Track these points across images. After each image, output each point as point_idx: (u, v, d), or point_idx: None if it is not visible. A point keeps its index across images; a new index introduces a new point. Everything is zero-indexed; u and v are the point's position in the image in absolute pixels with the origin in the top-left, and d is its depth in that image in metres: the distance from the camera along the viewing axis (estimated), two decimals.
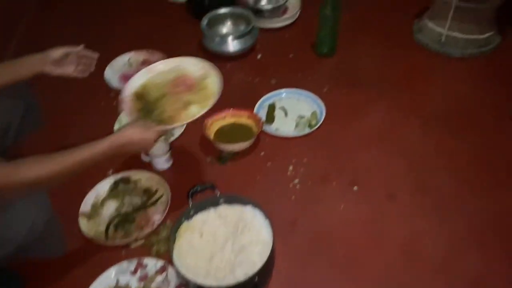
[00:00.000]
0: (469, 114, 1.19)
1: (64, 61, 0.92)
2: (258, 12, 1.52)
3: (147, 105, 0.86)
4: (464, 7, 1.26)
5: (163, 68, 0.94)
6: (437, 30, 1.36)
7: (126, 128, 0.80)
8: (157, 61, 1.35)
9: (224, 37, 1.38)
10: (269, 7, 1.57)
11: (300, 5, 1.59)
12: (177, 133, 1.15)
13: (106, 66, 1.36)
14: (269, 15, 1.53)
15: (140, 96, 0.89)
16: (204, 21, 1.40)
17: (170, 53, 1.39)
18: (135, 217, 0.94)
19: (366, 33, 1.49)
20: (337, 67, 1.38)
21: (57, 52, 0.90)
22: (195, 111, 0.84)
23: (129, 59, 1.40)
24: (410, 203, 0.98)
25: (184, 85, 0.90)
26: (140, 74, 0.93)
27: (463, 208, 0.95)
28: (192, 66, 0.94)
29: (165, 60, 0.97)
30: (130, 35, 1.56)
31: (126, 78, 1.33)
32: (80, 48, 0.94)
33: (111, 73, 1.35)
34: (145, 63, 1.40)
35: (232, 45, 1.38)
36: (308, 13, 1.55)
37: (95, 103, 1.29)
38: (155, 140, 0.83)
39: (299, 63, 1.39)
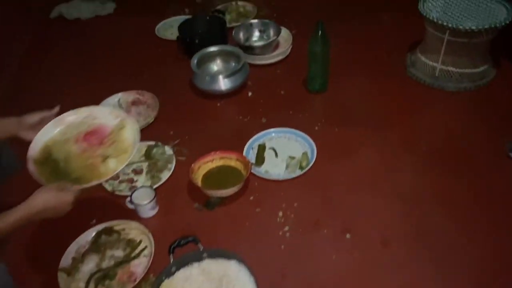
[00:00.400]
0: (465, 151, 1.15)
1: (40, 126, 0.88)
2: (250, 49, 1.51)
3: (59, 165, 0.81)
4: (456, 41, 1.23)
5: (74, 120, 0.89)
6: (430, 64, 1.34)
7: (40, 194, 0.75)
8: (146, 101, 1.39)
9: (214, 76, 1.37)
10: (260, 43, 1.56)
11: (291, 40, 1.58)
12: (164, 177, 1.12)
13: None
14: (260, 52, 1.52)
15: (49, 155, 0.83)
16: (194, 60, 1.39)
17: (160, 93, 1.40)
18: (117, 272, 0.90)
19: (359, 67, 1.47)
20: (328, 103, 1.35)
21: (33, 118, 0.87)
22: (113, 166, 0.80)
23: (119, 100, 1.39)
24: (405, 251, 0.93)
25: (98, 138, 0.85)
26: (48, 127, 0.87)
27: (461, 258, 0.90)
28: (106, 115, 0.89)
29: (77, 110, 0.91)
30: (120, 74, 1.55)
31: None
32: (55, 110, 0.91)
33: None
34: (135, 103, 1.38)
35: (223, 84, 1.36)
36: (300, 47, 1.54)
37: None
38: (73, 202, 0.77)
39: (290, 100, 1.37)
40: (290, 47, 1.56)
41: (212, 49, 1.45)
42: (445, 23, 1.20)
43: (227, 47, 1.46)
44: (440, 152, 1.15)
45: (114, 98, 1.39)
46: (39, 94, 1.49)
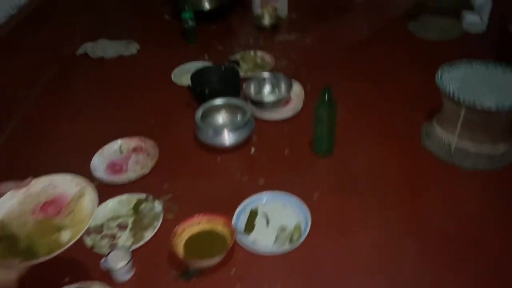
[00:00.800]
0: (475, 240, 1.03)
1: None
2: (259, 104, 1.48)
3: (13, 239, 0.77)
4: (473, 118, 1.15)
5: (34, 189, 0.86)
6: (446, 138, 1.25)
7: None
8: (147, 150, 1.37)
9: (217, 130, 1.34)
10: (270, 99, 1.53)
11: (304, 96, 1.54)
12: (148, 236, 1.07)
13: (95, 153, 1.34)
14: (270, 107, 1.49)
15: (2, 229, 0.79)
16: (199, 112, 1.37)
17: (162, 141, 1.39)
18: None
19: (370, 131, 1.40)
20: (333, 169, 1.28)
21: (7, 187, 0.85)
22: (66, 238, 0.76)
23: (120, 146, 1.38)
24: None
25: (56, 208, 0.82)
26: (5, 199, 0.83)
27: None
28: (67, 183, 0.86)
29: (36, 179, 0.87)
30: (129, 117, 1.55)
31: (113, 167, 1.30)
32: (28, 182, 0.87)
33: (99, 161, 1.32)
34: (136, 150, 1.37)
35: (226, 138, 1.33)
36: (313, 105, 1.48)
37: None
38: (18, 280, 0.72)
39: (293, 161, 1.31)
40: (302, 104, 1.52)
41: (218, 101, 1.43)
42: (461, 99, 1.12)
43: (234, 100, 1.43)
44: (447, 237, 1.04)
45: (116, 144, 1.38)
46: (47, 132, 1.51)
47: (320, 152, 1.30)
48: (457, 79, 1.23)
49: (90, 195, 0.83)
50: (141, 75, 1.83)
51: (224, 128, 1.34)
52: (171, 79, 1.75)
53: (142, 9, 2.52)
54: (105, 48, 1.97)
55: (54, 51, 1.94)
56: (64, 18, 2.11)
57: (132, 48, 2.00)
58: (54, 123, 1.56)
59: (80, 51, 2.00)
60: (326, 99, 1.18)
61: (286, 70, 1.77)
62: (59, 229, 0.78)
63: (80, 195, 0.83)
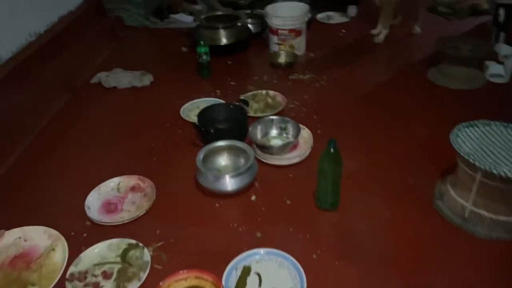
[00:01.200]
0: None
1: None
2: (265, 148, 1.43)
3: None
4: (489, 184, 1.06)
5: (5, 242, 0.84)
6: (460, 202, 1.16)
7: None
8: (145, 189, 1.33)
9: (219, 175, 1.29)
10: (276, 142, 1.48)
11: (312, 143, 1.48)
12: None
13: (92, 189, 1.31)
14: (276, 151, 1.44)
15: None
16: (200, 155, 1.32)
17: (161, 182, 1.35)
18: None
19: (378, 187, 1.32)
20: (335, 227, 1.20)
21: None
22: None
23: (118, 184, 1.34)
24: None
25: (25, 261, 0.77)
26: None
27: None
28: (40, 235, 0.83)
29: (8, 231, 0.84)
30: (133, 153, 1.53)
31: (108, 206, 1.26)
32: (1, 234, 0.85)
33: (95, 199, 1.28)
34: (134, 189, 1.33)
35: (227, 184, 1.27)
36: (320, 152, 1.43)
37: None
38: None
39: (294, 214, 1.24)
40: (309, 150, 1.46)
41: (221, 143, 1.38)
42: (477, 163, 1.04)
43: (237, 143, 1.38)
44: None
45: (115, 181, 1.35)
46: (48, 165, 1.50)
47: (323, 207, 1.23)
48: (474, 140, 1.15)
49: (61, 249, 0.79)
50: (151, 108, 1.82)
51: (225, 174, 1.28)
52: (179, 114, 1.72)
53: (161, 40, 2.56)
54: (119, 78, 1.98)
55: (67, 79, 1.96)
56: (82, 47, 2.14)
57: (146, 80, 2.00)
58: (57, 155, 1.54)
59: (94, 80, 2.01)
60: (331, 152, 1.12)
61: (297, 112, 1.73)
62: (26, 284, 0.73)
63: (51, 249, 0.79)
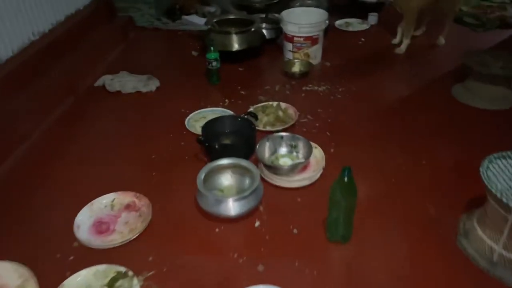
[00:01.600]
0: None
1: None
2: (272, 168, 1.32)
3: None
4: None
5: None
6: (488, 243, 1.03)
7: None
8: (140, 208, 1.23)
9: (220, 199, 1.18)
10: (287, 162, 1.37)
11: (324, 164, 1.36)
12: None
13: (85, 205, 1.21)
14: (284, 172, 1.32)
15: None
16: (201, 176, 1.22)
17: (159, 201, 1.25)
18: None
19: (395, 219, 1.20)
20: (346, 264, 1.08)
21: None
22: None
23: (113, 200, 1.25)
24: None
25: None
26: None
27: None
28: (9, 273, 0.79)
29: None
30: (131, 167, 1.43)
31: (100, 225, 1.17)
32: None
33: (86, 216, 1.18)
34: (129, 207, 1.23)
35: (229, 209, 1.17)
36: (332, 174, 1.32)
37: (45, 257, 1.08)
38: None
39: (301, 245, 1.13)
40: (321, 172, 1.34)
41: (225, 162, 1.28)
42: (510, 203, 0.91)
43: (242, 162, 1.27)
44: None
45: (109, 197, 1.25)
46: (42, 174, 1.41)
47: (333, 239, 1.12)
48: (507, 174, 1.02)
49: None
50: (155, 116, 1.72)
51: (228, 197, 1.18)
52: (184, 124, 1.62)
53: (171, 42, 2.47)
54: (124, 82, 1.89)
55: (71, 82, 1.87)
56: (89, 47, 2.06)
57: (152, 85, 1.90)
58: (52, 165, 1.44)
59: (98, 82, 1.92)
60: (345, 181, 1.00)
61: (309, 127, 1.61)
62: None
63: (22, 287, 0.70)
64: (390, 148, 1.49)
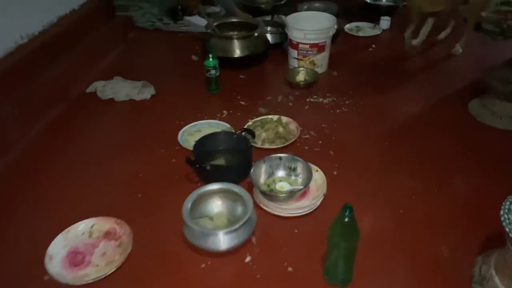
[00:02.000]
0: None
1: None
2: (267, 195, 1.20)
3: None
4: None
5: None
6: None
7: None
8: (120, 237, 1.12)
9: (207, 232, 1.07)
10: (284, 187, 1.25)
11: (325, 189, 1.24)
12: None
13: (60, 231, 1.11)
14: (280, 199, 1.20)
15: None
16: (187, 204, 1.10)
17: (141, 228, 1.14)
18: None
19: (402, 260, 1.07)
20: None
21: None
22: None
23: (92, 226, 1.14)
24: None
25: None
26: None
27: None
28: None
29: None
30: (113, 185, 1.32)
31: (75, 256, 1.07)
32: None
33: (60, 245, 1.08)
34: (108, 235, 1.13)
35: (217, 242, 1.06)
36: (334, 201, 1.20)
37: None
38: None
39: (297, 284, 1.01)
40: (322, 198, 1.22)
41: (214, 187, 1.16)
42: None
43: (234, 188, 1.16)
44: None
45: (88, 223, 1.15)
46: (20, 193, 1.31)
47: (331, 282, 1.00)
48: None
49: None
50: (146, 128, 1.61)
51: (215, 231, 1.06)
52: (177, 138, 1.51)
53: (171, 45, 2.35)
54: (117, 89, 1.78)
55: (62, 88, 1.77)
56: (83, 50, 1.95)
57: (146, 93, 1.79)
58: (32, 181, 1.33)
59: (90, 89, 1.82)
60: (345, 221, 0.88)
61: (312, 145, 1.49)
62: None
63: None
64: (399, 172, 1.36)
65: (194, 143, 1.37)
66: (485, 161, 1.39)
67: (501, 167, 1.36)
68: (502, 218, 0.87)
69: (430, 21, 2.09)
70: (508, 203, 0.92)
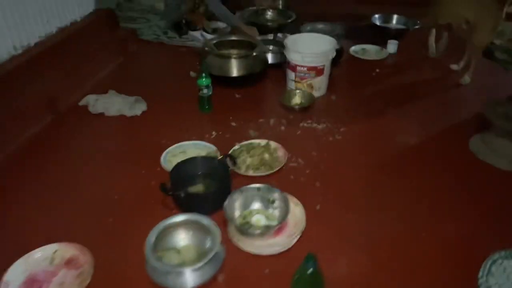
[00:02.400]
0: None
1: None
2: (240, 231, 1.14)
3: None
4: None
5: None
6: None
7: None
8: (82, 266, 1.07)
9: (170, 269, 1.01)
10: (260, 220, 1.20)
11: (305, 224, 1.17)
12: None
13: (20, 256, 1.06)
14: (253, 234, 1.14)
15: None
16: (151, 238, 1.04)
17: (105, 257, 1.09)
18: None
19: None
20: None
21: None
22: None
23: (55, 252, 1.10)
24: None
25: None
26: None
27: None
28: None
29: None
30: (86, 205, 1.28)
31: (31, 284, 1.02)
32: None
33: (18, 272, 1.04)
34: (69, 263, 1.08)
35: (180, 281, 1.01)
36: (312, 240, 1.14)
37: None
38: None
39: None
40: (299, 236, 1.15)
41: (179, 219, 1.11)
42: None
43: (202, 220, 1.10)
44: None
45: (51, 248, 1.10)
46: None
47: None
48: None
49: None
50: (131, 147, 1.58)
51: (178, 268, 1.01)
52: (160, 160, 1.46)
53: (172, 60, 2.33)
54: (109, 104, 1.76)
55: (52, 100, 1.75)
56: (79, 62, 1.94)
57: (137, 109, 1.76)
58: (3, 200, 1.31)
59: (82, 102, 1.80)
60: (307, 274, 0.81)
61: (297, 174, 1.43)
62: None
63: None
64: (386, 211, 1.28)
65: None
66: (481, 205, 1.30)
67: (497, 212, 1.26)
68: (480, 281, 0.79)
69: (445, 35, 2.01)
70: (490, 262, 0.84)
